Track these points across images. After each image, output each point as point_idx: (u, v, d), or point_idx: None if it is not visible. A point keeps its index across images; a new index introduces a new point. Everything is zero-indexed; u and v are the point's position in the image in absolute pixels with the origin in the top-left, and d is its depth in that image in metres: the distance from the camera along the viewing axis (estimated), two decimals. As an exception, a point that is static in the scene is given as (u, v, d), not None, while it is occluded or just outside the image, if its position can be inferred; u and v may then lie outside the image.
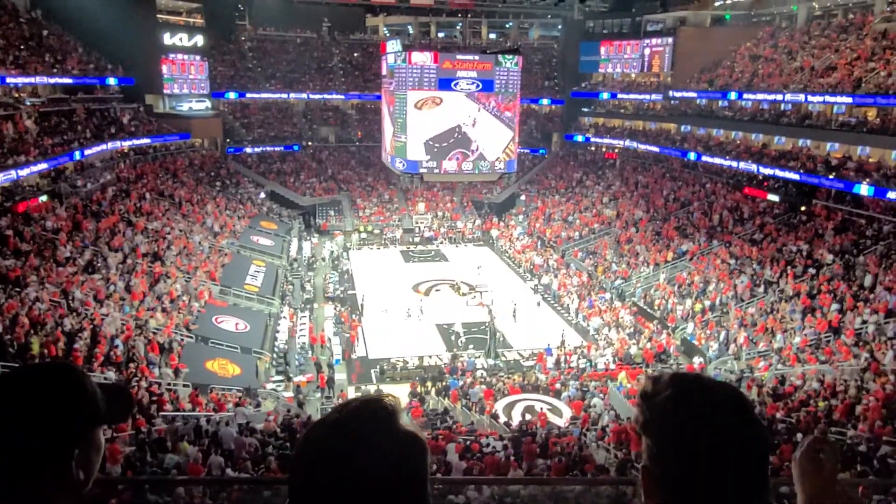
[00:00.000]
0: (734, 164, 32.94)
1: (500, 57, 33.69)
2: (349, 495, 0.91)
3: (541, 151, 48.73)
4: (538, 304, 29.43)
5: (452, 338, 25.66)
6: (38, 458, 1.06)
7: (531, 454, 13.18)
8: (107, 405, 1.17)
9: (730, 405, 1.08)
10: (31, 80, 28.94)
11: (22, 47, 29.57)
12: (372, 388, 21.08)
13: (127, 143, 34.68)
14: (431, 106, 32.65)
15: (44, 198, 25.14)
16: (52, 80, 30.74)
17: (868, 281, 21.91)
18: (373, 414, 0.98)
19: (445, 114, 32.81)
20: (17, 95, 28.39)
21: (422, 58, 32.46)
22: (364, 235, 40.12)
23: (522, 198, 44.43)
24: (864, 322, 19.99)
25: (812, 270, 24.19)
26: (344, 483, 0.91)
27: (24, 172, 23.87)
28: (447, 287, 32.02)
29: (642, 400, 1.13)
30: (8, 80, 26.87)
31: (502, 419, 19.46)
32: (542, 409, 19.82)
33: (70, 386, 1.12)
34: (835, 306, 21.47)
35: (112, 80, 35.99)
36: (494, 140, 33.98)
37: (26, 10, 33.58)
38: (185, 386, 18.28)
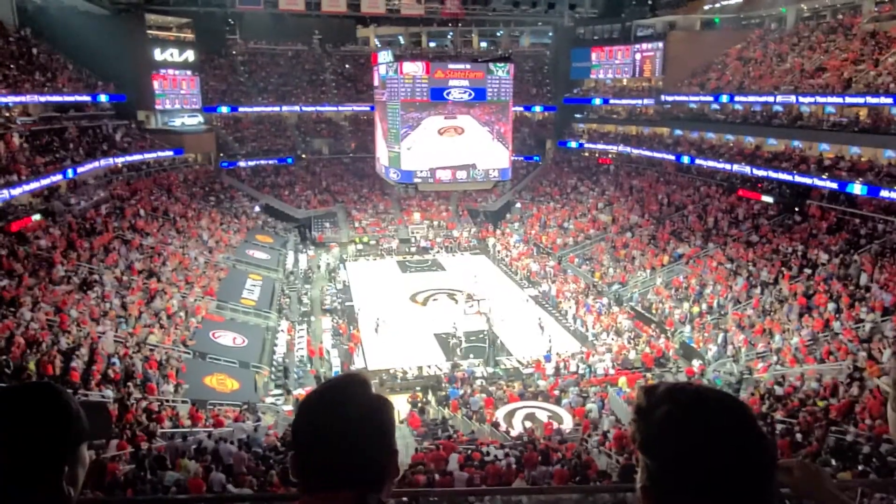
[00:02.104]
0: (727, 166, 33.17)
1: (491, 65, 33.92)
2: (336, 435, 1.20)
3: (535, 158, 48.87)
4: (541, 327, 27.90)
5: (451, 342, 25.64)
6: (31, 477, 1.11)
7: (532, 463, 13.21)
8: (90, 423, 1.22)
9: (732, 420, 1.05)
10: (22, 98, 28.92)
11: (12, 66, 29.61)
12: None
13: (120, 160, 34.73)
14: (453, 134, 33.02)
15: (37, 217, 25.13)
16: (43, 99, 30.75)
17: (864, 280, 22.06)
18: (353, 380, 1.29)
19: (466, 145, 33.24)
20: (7, 115, 28.41)
21: (413, 68, 32.67)
22: (360, 247, 40.14)
23: (518, 205, 44.56)
24: (861, 321, 20.12)
25: (808, 271, 24.34)
26: (332, 426, 1.21)
27: (16, 192, 23.85)
28: (445, 296, 32.09)
29: (638, 416, 1.10)
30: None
31: (503, 427, 19.48)
32: (547, 418, 19.88)
33: (57, 405, 1.18)
34: (831, 306, 21.61)
35: (103, 97, 35.98)
36: (493, 160, 34.52)
37: (15, 29, 33.59)
38: (183, 402, 18.26)
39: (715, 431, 1.03)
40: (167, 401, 17.84)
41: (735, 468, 1.01)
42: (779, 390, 18.16)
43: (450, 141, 33.24)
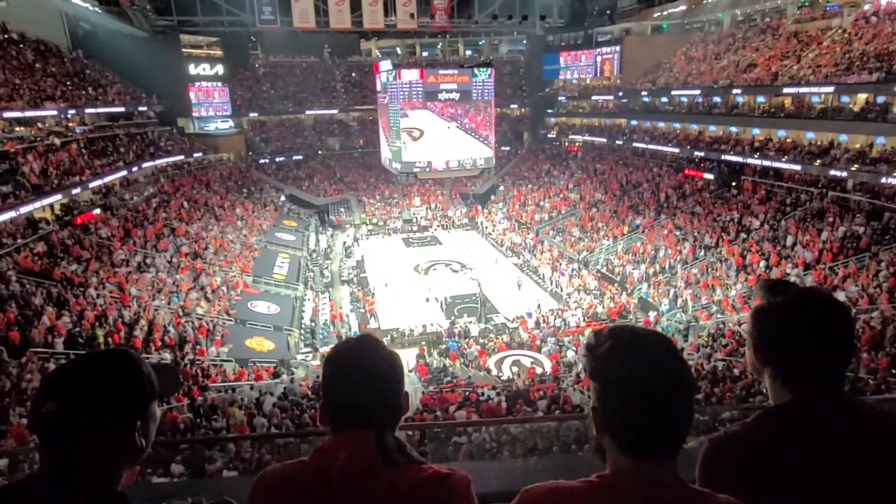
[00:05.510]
0: (675, 150, 32.99)
1: (475, 70, 33.49)
2: (357, 384, 1.24)
3: (514, 149, 48.49)
4: (519, 284, 28.48)
5: (427, 300, 25.79)
6: (107, 430, 1.09)
7: (519, 410, 13.37)
8: (160, 383, 1.19)
9: (659, 352, 1.09)
10: (81, 110, 28.43)
11: (68, 83, 29.08)
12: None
13: (164, 161, 34.28)
14: (411, 140, 32.37)
15: (97, 211, 24.91)
16: (97, 110, 30.28)
17: (789, 241, 22.17)
18: (368, 340, 1.33)
19: (449, 141, 32.59)
20: (67, 125, 27.97)
21: (409, 74, 32.22)
22: (370, 227, 40.02)
23: (501, 188, 44.35)
24: (788, 275, 20.26)
25: (743, 235, 24.42)
26: (354, 377, 1.25)
27: (78, 190, 23.63)
28: (442, 266, 32.13)
29: (587, 351, 1.15)
30: (58, 111, 26.47)
31: (494, 372, 19.71)
32: (530, 363, 20.09)
33: (130, 369, 1.15)
34: (763, 263, 21.74)
35: (147, 108, 35.41)
36: (477, 151, 34.09)
37: (69, 51, 32.91)
38: (229, 361, 18.39)
39: (645, 359, 1.08)
40: (215, 361, 17.97)
41: (660, 387, 1.06)
42: (720, 336, 18.39)
43: (433, 138, 32.69)
